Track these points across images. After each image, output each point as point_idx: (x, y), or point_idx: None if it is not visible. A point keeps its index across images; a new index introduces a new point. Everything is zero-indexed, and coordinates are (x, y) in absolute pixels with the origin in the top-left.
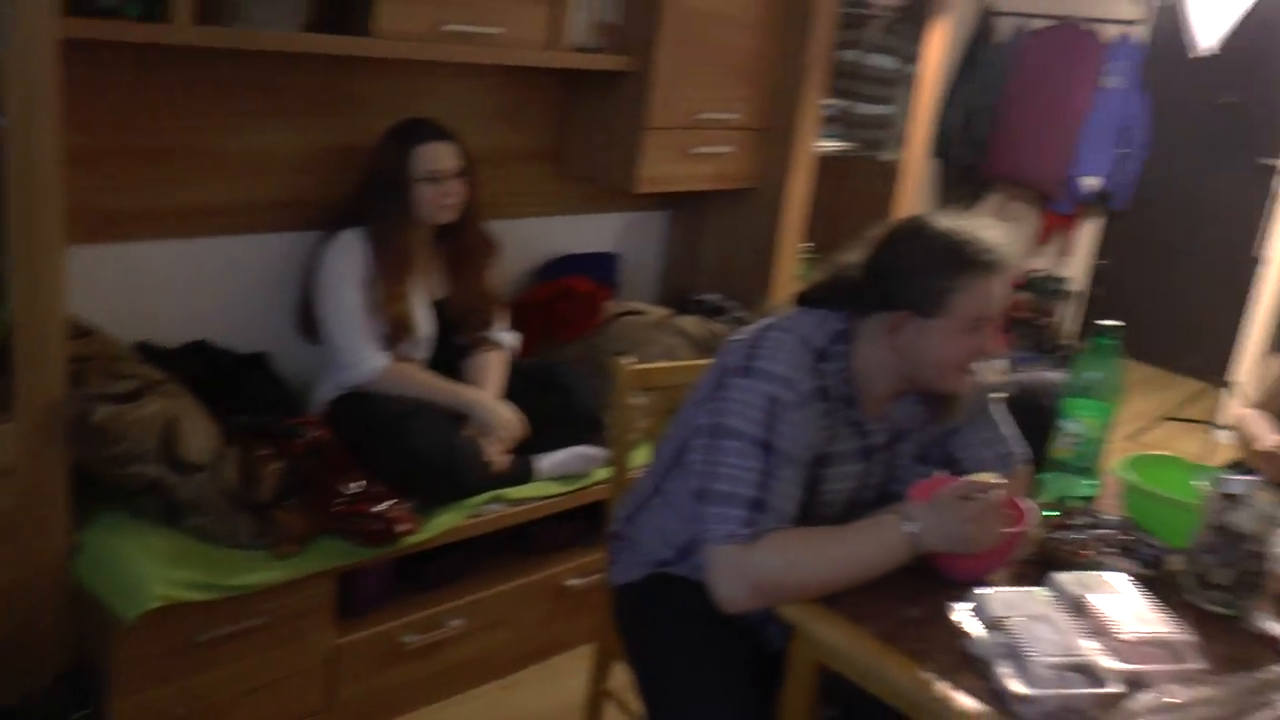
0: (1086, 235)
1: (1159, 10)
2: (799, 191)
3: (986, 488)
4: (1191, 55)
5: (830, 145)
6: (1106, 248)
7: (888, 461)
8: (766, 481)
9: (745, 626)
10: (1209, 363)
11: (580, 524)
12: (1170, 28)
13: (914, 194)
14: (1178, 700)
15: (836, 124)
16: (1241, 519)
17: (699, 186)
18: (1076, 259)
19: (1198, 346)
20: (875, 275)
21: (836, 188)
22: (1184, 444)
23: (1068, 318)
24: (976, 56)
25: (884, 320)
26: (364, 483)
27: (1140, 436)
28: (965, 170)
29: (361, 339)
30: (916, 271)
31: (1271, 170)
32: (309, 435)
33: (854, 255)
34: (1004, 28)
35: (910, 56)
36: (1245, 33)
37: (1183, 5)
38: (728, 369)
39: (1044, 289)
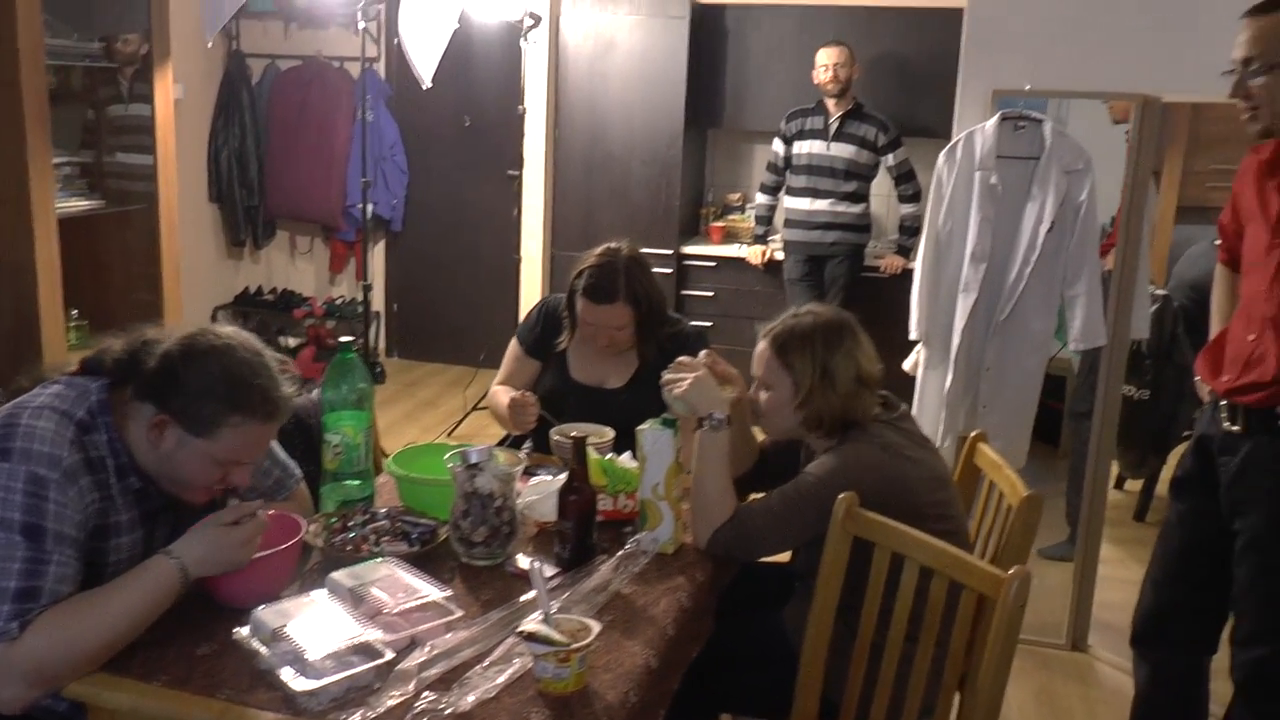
0: (376, 257)
1: (395, 46)
2: (48, 257)
3: (252, 511)
4: (425, 88)
5: (82, 204)
6: (394, 266)
7: (176, 519)
8: (37, 568)
9: None
10: (500, 353)
11: None
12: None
13: (175, 243)
14: (445, 649)
15: (87, 179)
16: (483, 482)
17: None
18: (372, 281)
19: (489, 340)
20: (163, 373)
21: (105, 245)
22: (496, 430)
23: (374, 336)
24: (236, 99)
25: (148, 413)
26: None
27: (455, 431)
28: (248, 211)
29: None
30: (199, 391)
31: (518, 179)
32: None
33: (160, 340)
34: (258, 69)
35: None
36: (461, 65)
37: (403, 45)
38: None
39: (349, 314)
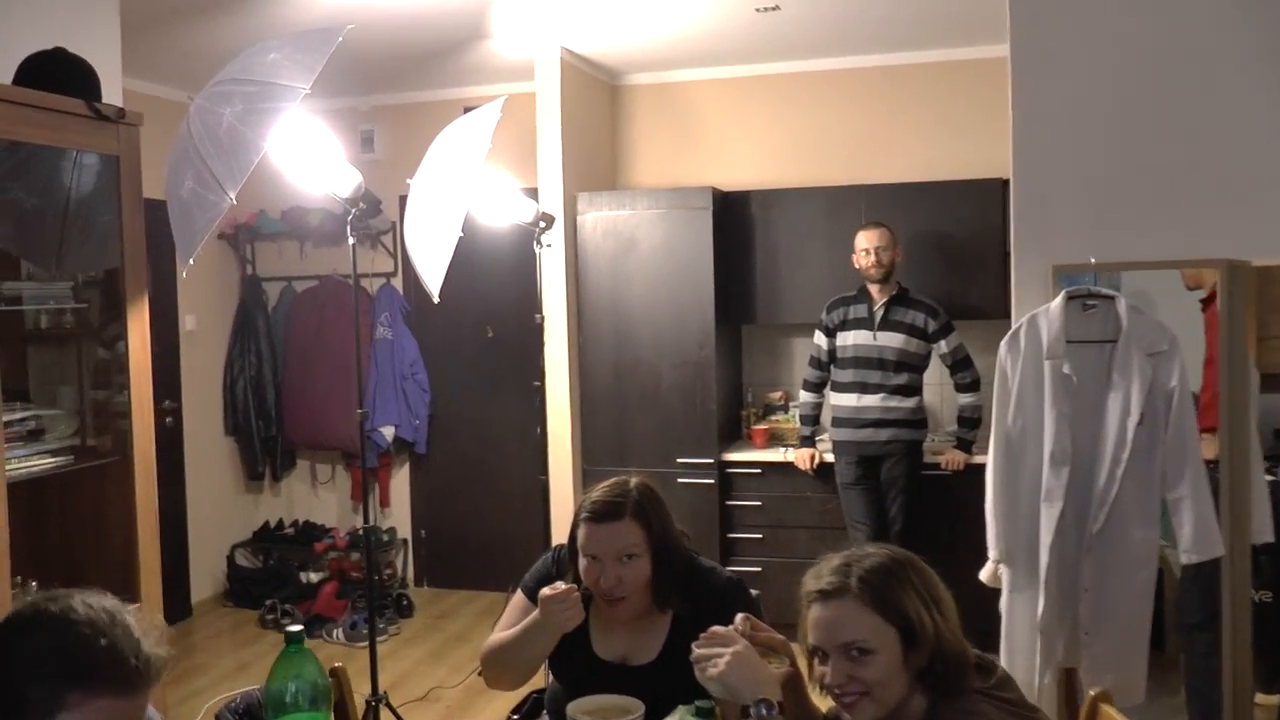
0: (400, 482)
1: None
2: None
3: None
4: (435, 302)
5: (47, 461)
6: (419, 490)
7: None
8: None
9: None
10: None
11: None
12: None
13: (150, 497)
14: None
15: (54, 431)
16: None
17: None
18: (396, 508)
19: (522, 564)
20: None
21: (76, 503)
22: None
23: (402, 566)
24: (252, 326)
25: None
26: None
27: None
28: (265, 443)
29: None
30: (24, 671)
31: (542, 392)
32: None
33: None
34: (275, 292)
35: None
36: (478, 273)
37: (410, 258)
38: None
39: (374, 544)
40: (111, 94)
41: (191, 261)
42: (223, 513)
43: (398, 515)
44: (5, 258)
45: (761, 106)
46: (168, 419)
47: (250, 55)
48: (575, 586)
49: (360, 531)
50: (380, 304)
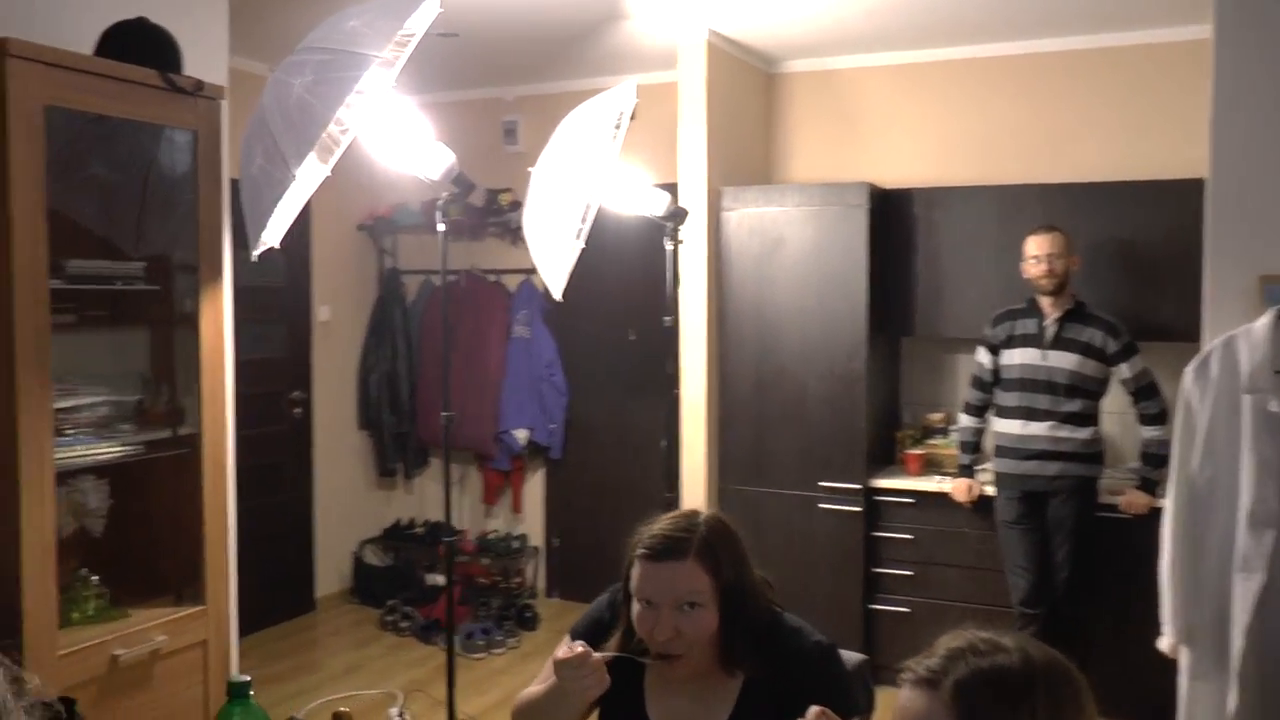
0: (534, 487)
1: None
2: (39, 520)
3: None
4: (558, 300)
5: (114, 449)
6: (554, 497)
7: None
8: None
9: None
10: None
11: None
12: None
13: (220, 493)
14: None
15: (130, 419)
16: None
17: None
18: (529, 514)
19: None
20: None
21: (148, 496)
22: None
23: (532, 575)
24: (389, 319)
25: None
26: None
27: None
28: (398, 438)
29: None
30: None
31: (674, 402)
32: None
33: None
34: (413, 286)
35: None
36: (624, 271)
37: (530, 252)
38: None
39: (504, 550)
40: (215, 72)
41: (275, 244)
42: (353, 507)
43: (530, 522)
44: (85, 234)
45: (928, 96)
46: (296, 409)
47: (331, 23)
48: (589, 651)
49: (489, 536)
50: (519, 301)
